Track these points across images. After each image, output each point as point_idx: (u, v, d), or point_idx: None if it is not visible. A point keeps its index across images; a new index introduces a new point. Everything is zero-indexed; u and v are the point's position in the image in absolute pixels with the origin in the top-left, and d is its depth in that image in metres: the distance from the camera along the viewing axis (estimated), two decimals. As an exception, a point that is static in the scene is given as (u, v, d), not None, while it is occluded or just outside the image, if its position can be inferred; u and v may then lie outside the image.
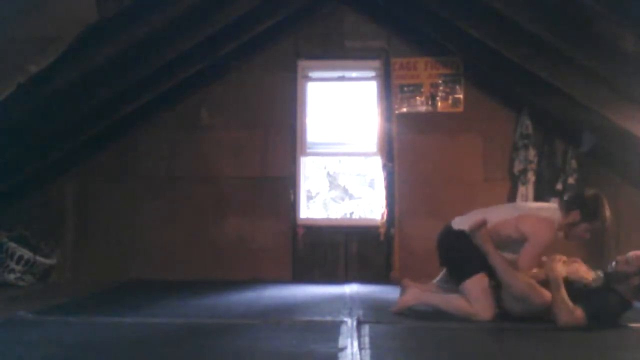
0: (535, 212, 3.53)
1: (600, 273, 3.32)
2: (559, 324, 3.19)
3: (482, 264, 3.41)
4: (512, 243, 3.50)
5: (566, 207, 3.48)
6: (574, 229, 3.46)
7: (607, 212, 3.43)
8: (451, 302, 3.53)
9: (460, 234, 3.53)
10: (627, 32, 3.34)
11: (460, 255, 3.53)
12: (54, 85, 3.92)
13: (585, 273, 3.34)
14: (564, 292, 3.22)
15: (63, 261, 5.28)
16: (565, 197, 3.60)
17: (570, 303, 3.19)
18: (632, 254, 3.25)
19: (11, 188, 5.07)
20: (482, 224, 3.43)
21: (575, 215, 3.42)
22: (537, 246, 3.40)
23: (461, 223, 3.58)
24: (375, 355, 2.60)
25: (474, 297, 3.40)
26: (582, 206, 3.43)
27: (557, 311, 3.21)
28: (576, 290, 3.25)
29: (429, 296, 3.63)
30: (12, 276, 4.82)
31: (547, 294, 3.25)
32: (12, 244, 4.84)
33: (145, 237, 5.33)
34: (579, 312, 3.17)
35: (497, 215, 3.55)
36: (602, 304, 3.21)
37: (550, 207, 3.56)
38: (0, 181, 4.84)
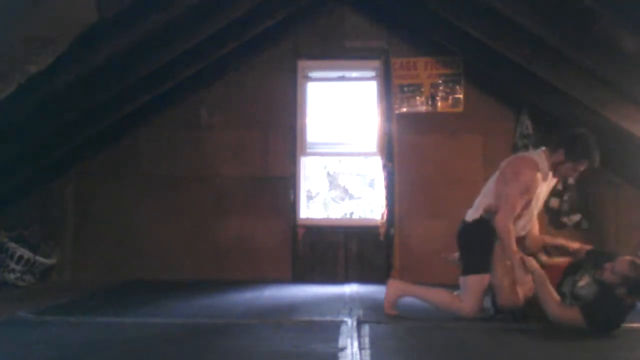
0: (516, 156, 3.57)
1: (590, 279, 3.25)
2: (551, 318, 3.21)
3: (489, 264, 3.42)
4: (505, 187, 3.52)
5: (553, 146, 3.46)
6: (560, 168, 3.46)
7: (594, 152, 3.38)
8: (435, 294, 3.58)
9: (471, 225, 3.55)
10: (627, 32, 3.35)
11: (471, 249, 3.54)
12: (54, 85, 3.92)
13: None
14: (549, 287, 3.23)
15: (63, 261, 5.29)
16: (554, 136, 3.59)
17: (557, 296, 3.21)
18: (618, 261, 3.16)
19: (12, 188, 5.07)
20: (493, 209, 3.45)
21: (560, 155, 3.41)
22: (517, 184, 3.37)
23: (472, 213, 3.60)
24: (375, 355, 2.60)
25: (469, 293, 3.43)
26: (567, 145, 3.40)
27: (545, 306, 3.23)
28: (569, 292, 3.26)
29: (411, 288, 3.67)
30: (12, 276, 4.82)
31: (515, 300, 3.29)
32: (12, 244, 4.84)
33: (145, 237, 5.33)
34: (574, 310, 3.17)
35: (491, 186, 3.57)
36: (603, 311, 3.14)
37: (533, 151, 3.55)
38: (0, 181, 4.84)
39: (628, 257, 3.16)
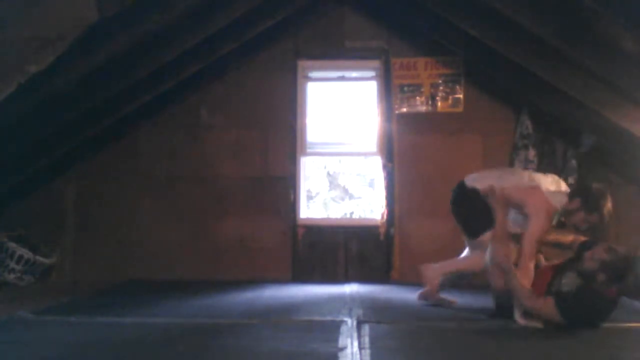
0: (547, 192, 3.55)
1: (574, 274, 3.26)
2: (526, 307, 3.24)
3: (492, 221, 3.50)
4: (515, 207, 3.57)
5: (571, 194, 3.55)
6: (572, 216, 3.52)
7: (608, 208, 3.46)
8: (466, 262, 3.73)
9: (473, 191, 3.62)
10: (627, 32, 3.34)
11: (474, 212, 3.61)
12: (54, 85, 3.92)
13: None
14: (517, 280, 3.25)
15: (63, 261, 5.28)
16: (574, 183, 3.69)
17: (526, 288, 3.23)
18: (596, 248, 3.22)
19: (11, 188, 5.07)
20: (492, 191, 3.53)
21: (575, 203, 3.47)
22: (539, 229, 3.43)
23: (475, 181, 3.67)
24: (375, 355, 2.60)
25: (489, 246, 3.49)
26: (584, 196, 3.48)
27: (519, 299, 3.25)
28: (555, 290, 3.27)
29: (445, 265, 3.74)
30: (12, 276, 4.82)
31: (500, 284, 3.36)
32: (12, 244, 4.84)
33: (145, 237, 5.33)
34: (549, 304, 3.17)
35: (511, 181, 3.63)
36: (580, 304, 3.15)
37: (561, 192, 3.57)
38: (0, 181, 4.84)
39: (606, 243, 3.22)
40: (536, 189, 3.54)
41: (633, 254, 3.19)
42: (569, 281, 3.24)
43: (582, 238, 3.55)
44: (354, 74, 5.69)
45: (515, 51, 4.37)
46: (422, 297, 3.93)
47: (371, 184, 7.45)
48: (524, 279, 3.30)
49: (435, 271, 3.70)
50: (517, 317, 3.29)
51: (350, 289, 4.76)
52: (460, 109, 5.33)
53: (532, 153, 5.11)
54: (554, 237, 3.66)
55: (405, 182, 5.30)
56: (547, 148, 5.18)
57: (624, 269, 3.13)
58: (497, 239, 3.43)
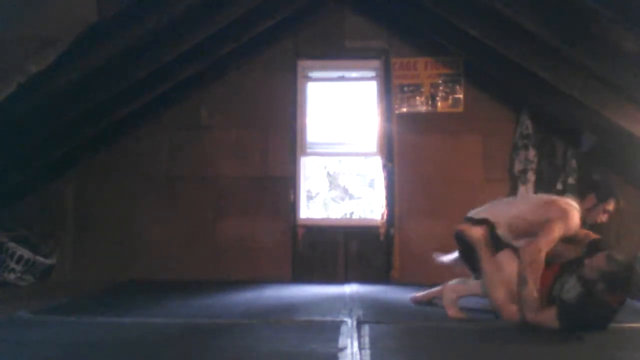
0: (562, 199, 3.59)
1: (575, 280, 3.20)
2: (525, 320, 3.20)
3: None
4: (535, 229, 3.49)
5: (580, 194, 3.62)
6: (592, 213, 3.57)
7: (617, 190, 3.61)
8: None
9: (462, 235, 3.57)
10: (627, 32, 3.35)
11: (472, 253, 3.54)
12: (54, 85, 3.92)
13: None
14: (530, 289, 3.19)
15: (63, 261, 5.28)
16: (577, 185, 3.79)
17: (536, 301, 3.18)
18: (596, 257, 3.17)
19: (11, 188, 5.07)
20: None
21: (591, 199, 3.54)
22: (561, 227, 3.37)
23: (476, 215, 3.62)
24: (375, 355, 2.60)
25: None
26: (594, 188, 3.60)
27: (524, 306, 3.22)
28: (557, 296, 3.23)
29: (464, 287, 3.64)
30: (12, 276, 4.82)
31: (511, 314, 3.27)
32: (12, 244, 4.84)
33: (145, 237, 5.33)
34: (549, 313, 3.14)
35: (523, 204, 3.65)
36: (583, 314, 3.11)
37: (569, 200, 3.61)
38: (0, 181, 4.84)
39: (606, 252, 3.18)
40: (552, 201, 3.50)
41: (633, 261, 3.17)
42: (570, 287, 3.20)
43: (593, 236, 3.51)
44: (354, 74, 5.69)
45: (515, 51, 4.37)
46: (416, 301, 3.92)
47: (371, 184, 7.45)
48: (533, 281, 3.23)
49: (453, 297, 3.58)
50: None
51: (350, 289, 4.76)
52: (460, 109, 5.33)
53: (532, 153, 5.11)
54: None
55: (405, 182, 5.30)
56: (547, 148, 5.18)
57: (624, 277, 3.11)
58: (490, 282, 3.36)
